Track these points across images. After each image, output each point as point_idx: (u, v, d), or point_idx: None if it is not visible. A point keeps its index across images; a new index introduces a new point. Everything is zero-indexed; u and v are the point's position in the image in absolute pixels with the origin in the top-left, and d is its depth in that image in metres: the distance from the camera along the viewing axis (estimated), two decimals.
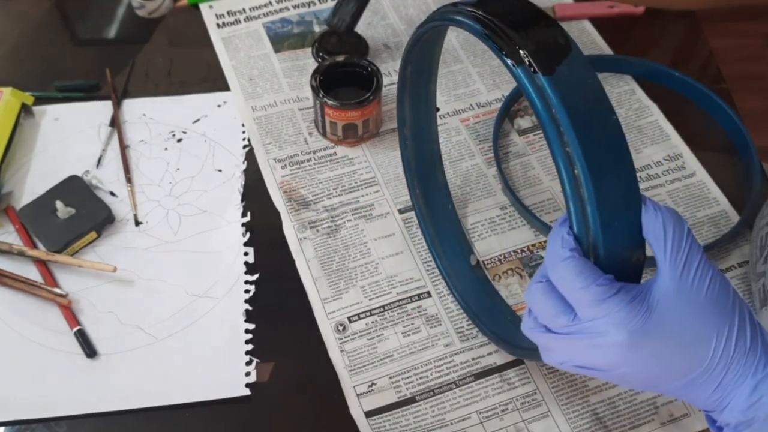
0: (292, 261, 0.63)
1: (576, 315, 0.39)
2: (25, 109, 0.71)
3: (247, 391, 0.56)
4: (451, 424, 0.55)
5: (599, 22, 0.81)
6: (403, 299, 0.61)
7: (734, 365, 0.39)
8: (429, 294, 0.61)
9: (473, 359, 0.58)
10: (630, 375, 0.40)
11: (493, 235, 0.64)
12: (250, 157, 0.70)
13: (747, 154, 0.68)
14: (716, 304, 0.39)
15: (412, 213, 0.65)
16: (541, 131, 0.71)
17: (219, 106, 0.74)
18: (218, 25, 0.81)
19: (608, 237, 0.38)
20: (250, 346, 0.58)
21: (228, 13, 0.82)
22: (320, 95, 0.66)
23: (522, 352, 0.53)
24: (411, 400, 0.56)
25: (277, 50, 0.78)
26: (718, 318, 0.39)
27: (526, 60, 0.39)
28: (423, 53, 0.55)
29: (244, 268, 0.62)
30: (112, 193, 0.67)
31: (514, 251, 0.63)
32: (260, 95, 0.74)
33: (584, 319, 0.39)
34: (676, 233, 0.39)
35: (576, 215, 0.39)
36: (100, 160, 0.69)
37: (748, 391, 0.38)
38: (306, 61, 0.77)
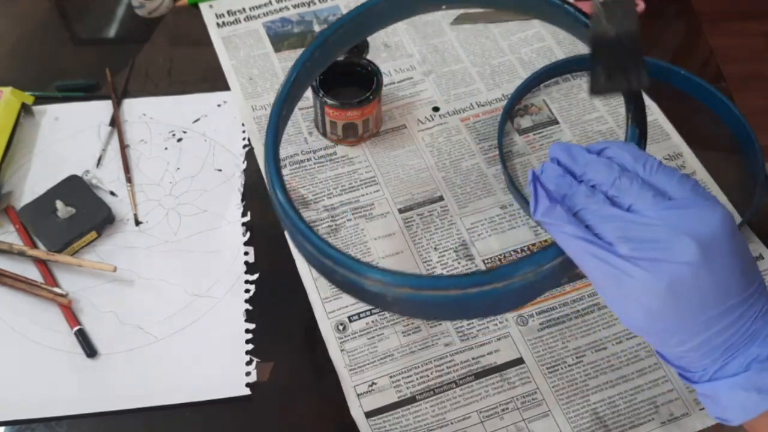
0: (293, 260, 0.63)
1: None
2: (25, 109, 0.71)
3: (247, 391, 0.56)
4: (452, 423, 0.55)
5: None
6: None
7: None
8: None
9: (473, 359, 0.58)
10: (700, 279, 0.36)
11: (494, 235, 0.64)
12: (250, 156, 0.70)
13: (752, 152, 0.68)
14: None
15: (412, 213, 0.65)
16: (541, 131, 0.72)
17: (219, 105, 0.74)
18: (218, 24, 0.81)
19: None
20: (250, 346, 0.58)
21: (228, 12, 0.82)
22: (320, 95, 0.66)
23: None
24: (411, 400, 0.56)
25: (277, 50, 0.78)
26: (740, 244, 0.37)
27: None
28: None
29: (244, 268, 0.62)
30: (112, 193, 0.67)
31: (515, 251, 0.63)
32: (260, 95, 0.74)
33: (680, 198, 0.37)
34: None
35: None
36: (100, 159, 0.69)
37: None
38: None
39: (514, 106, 0.73)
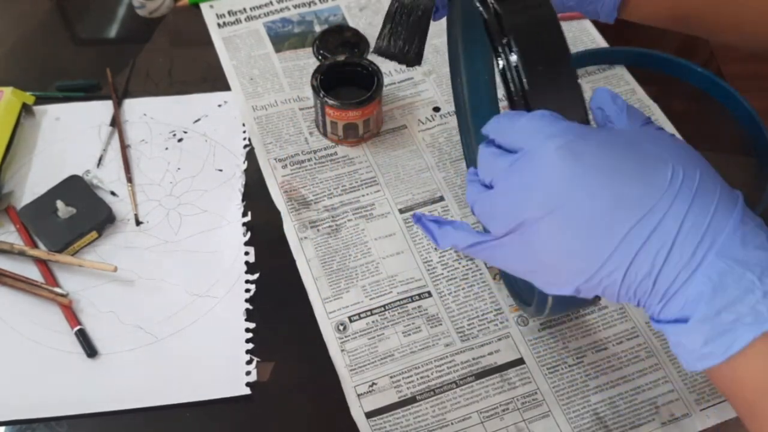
0: (293, 260, 0.63)
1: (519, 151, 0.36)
2: (25, 109, 0.71)
3: (247, 391, 0.56)
4: (452, 423, 0.55)
5: (599, 21, 0.81)
6: (404, 299, 0.61)
7: (698, 207, 0.31)
8: (430, 294, 0.61)
9: (474, 359, 0.58)
10: (567, 218, 0.33)
11: None
12: (250, 156, 0.70)
13: (763, 150, 0.68)
14: (682, 146, 0.34)
15: (413, 212, 0.65)
16: None
17: (220, 105, 0.74)
18: (219, 24, 0.81)
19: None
20: (250, 346, 0.58)
21: (228, 12, 0.82)
22: (321, 95, 0.66)
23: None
24: (411, 400, 0.56)
25: (277, 50, 0.78)
26: (682, 153, 0.33)
27: None
28: None
29: (244, 268, 0.62)
30: (112, 193, 0.67)
31: None
32: (261, 95, 0.74)
33: (522, 148, 0.35)
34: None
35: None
36: (100, 159, 0.69)
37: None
38: (306, 61, 0.77)
39: None
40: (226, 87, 0.75)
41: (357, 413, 0.55)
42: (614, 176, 0.32)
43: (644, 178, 0.32)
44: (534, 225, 0.34)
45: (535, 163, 0.34)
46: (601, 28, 0.80)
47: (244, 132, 0.72)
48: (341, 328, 0.59)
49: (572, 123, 0.36)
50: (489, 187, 0.38)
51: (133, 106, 0.74)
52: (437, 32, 0.79)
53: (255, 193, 0.67)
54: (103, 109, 0.73)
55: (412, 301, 0.60)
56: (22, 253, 0.62)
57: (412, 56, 0.53)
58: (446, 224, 0.42)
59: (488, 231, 0.39)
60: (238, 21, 0.81)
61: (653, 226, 0.31)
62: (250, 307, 0.60)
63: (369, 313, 0.60)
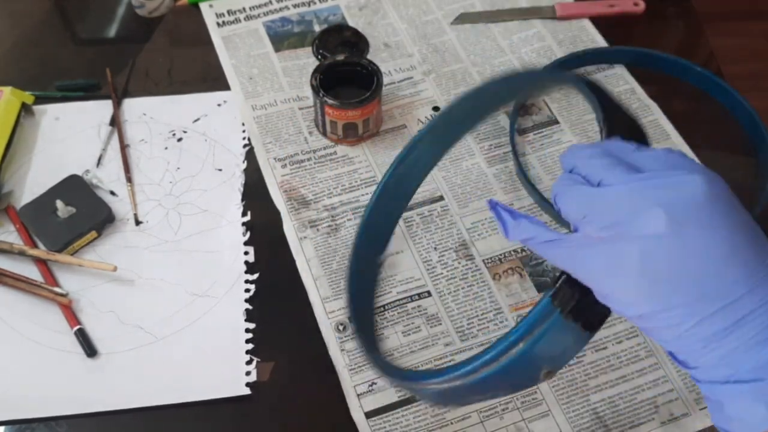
0: (293, 260, 0.63)
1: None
2: (25, 109, 0.71)
3: (247, 391, 0.56)
4: (452, 423, 0.55)
5: (599, 21, 0.81)
6: (404, 298, 0.61)
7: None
8: (429, 293, 0.61)
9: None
10: (690, 246, 0.31)
11: (494, 234, 0.64)
12: (250, 156, 0.70)
13: (764, 150, 0.68)
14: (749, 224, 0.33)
15: (412, 212, 0.65)
16: (541, 130, 0.71)
17: (219, 105, 0.74)
18: (218, 24, 0.81)
19: None
20: (250, 346, 0.58)
21: (228, 12, 0.82)
22: (320, 94, 0.66)
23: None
24: (411, 400, 0.56)
25: (277, 49, 0.78)
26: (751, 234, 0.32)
27: None
28: None
29: (244, 268, 0.62)
30: (112, 193, 0.67)
31: (515, 250, 0.63)
32: (260, 94, 0.74)
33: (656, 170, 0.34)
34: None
35: None
36: (100, 159, 0.69)
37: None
38: (306, 61, 0.77)
39: (523, 104, 0.73)
40: (225, 86, 0.75)
41: (357, 413, 0.55)
42: (736, 228, 0.32)
43: (755, 235, 0.32)
44: (648, 240, 0.32)
45: (672, 180, 0.33)
46: (601, 28, 0.80)
47: (244, 131, 0.72)
48: (341, 328, 0.59)
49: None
50: (590, 184, 0.36)
51: (132, 106, 0.74)
52: (437, 32, 0.79)
53: (254, 193, 0.67)
54: (102, 108, 0.73)
55: (412, 300, 0.60)
56: (21, 253, 0.62)
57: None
58: (521, 217, 0.39)
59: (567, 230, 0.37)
60: (237, 20, 0.81)
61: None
62: (250, 307, 0.60)
63: None
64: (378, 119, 0.70)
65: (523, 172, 0.66)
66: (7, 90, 0.70)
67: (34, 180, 0.67)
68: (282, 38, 0.79)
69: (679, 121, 0.72)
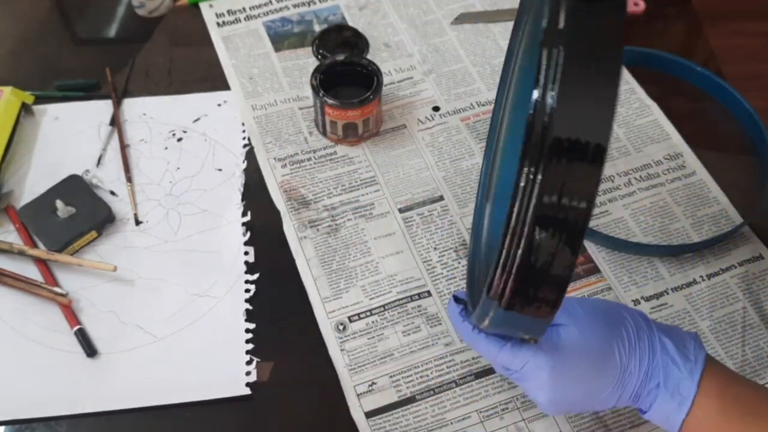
0: (293, 260, 0.63)
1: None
2: (25, 109, 0.71)
3: (247, 391, 0.56)
4: (452, 423, 0.55)
5: None
6: (404, 298, 0.61)
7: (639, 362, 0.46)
8: (429, 293, 0.61)
9: (473, 358, 0.58)
10: (562, 398, 0.47)
11: None
12: (250, 156, 0.70)
13: (763, 150, 0.69)
14: (608, 322, 0.47)
15: (412, 212, 0.65)
16: None
17: (219, 105, 0.74)
18: (218, 24, 0.81)
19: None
20: (250, 346, 0.58)
21: (228, 12, 0.82)
22: (320, 94, 0.66)
23: None
24: (411, 400, 0.56)
25: (277, 49, 0.78)
26: (613, 331, 0.47)
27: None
28: None
29: (244, 268, 0.62)
30: (112, 193, 0.67)
31: None
32: (260, 94, 0.74)
33: (513, 369, 0.48)
34: None
35: None
36: (100, 159, 0.69)
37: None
38: (306, 60, 0.77)
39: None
40: (225, 86, 0.75)
41: (357, 413, 0.55)
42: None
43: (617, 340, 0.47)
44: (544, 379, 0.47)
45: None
46: None
47: (244, 131, 0.72)
48: (341, 327, 0.59)
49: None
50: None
51: (132, 106, 0.74)
52: (437, 32, 0.79)
53: (254, 193, 0.67)
54: (102, 108, 0.73)
55: (412, 300, 0.60)
56: (21, 253, 0.62)
57: None
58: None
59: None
60: (237, 20, 0.81)
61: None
62: (250, 307, 0.60)
63: (368, 312, 0.60)
64: (378, 119, 0.70)
65: None
66: (7, 90, 0.70)
67: (34, 180, 0.67)
68: (282, 38, 0.79)
69: (679, 121, 0.72)
